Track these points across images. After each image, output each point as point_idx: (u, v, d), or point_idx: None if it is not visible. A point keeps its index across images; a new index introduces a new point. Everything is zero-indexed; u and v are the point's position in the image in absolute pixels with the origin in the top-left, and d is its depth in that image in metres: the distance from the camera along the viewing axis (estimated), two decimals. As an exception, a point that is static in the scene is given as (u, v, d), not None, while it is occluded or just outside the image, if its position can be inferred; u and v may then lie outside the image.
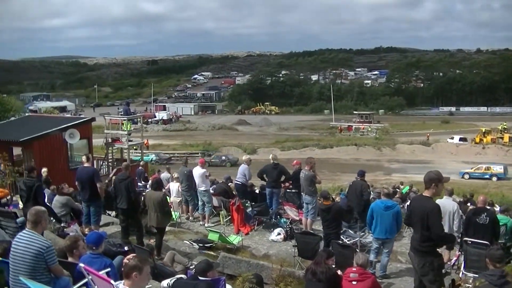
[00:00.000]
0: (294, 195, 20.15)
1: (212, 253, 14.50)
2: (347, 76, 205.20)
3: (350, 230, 16.42)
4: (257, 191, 21.83)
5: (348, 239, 15.67)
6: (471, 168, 62.67)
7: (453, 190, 15.75)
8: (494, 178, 59.27)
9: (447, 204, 14.31)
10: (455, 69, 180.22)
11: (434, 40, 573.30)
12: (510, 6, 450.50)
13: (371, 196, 19.96)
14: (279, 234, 16.92)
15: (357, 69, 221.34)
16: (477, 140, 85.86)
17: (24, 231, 7.45)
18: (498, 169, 61.76)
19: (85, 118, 33.17)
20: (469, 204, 23.64)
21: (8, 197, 17.04)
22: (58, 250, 8.64)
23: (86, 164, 14.98)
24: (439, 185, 8.07)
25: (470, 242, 12.65)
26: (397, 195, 26.02)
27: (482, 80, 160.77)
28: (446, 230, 14.60)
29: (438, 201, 15.07)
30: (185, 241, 15.49)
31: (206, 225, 18.78)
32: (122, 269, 6.43)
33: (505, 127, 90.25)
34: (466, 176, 60.42)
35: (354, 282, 9.00)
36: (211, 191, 20.11)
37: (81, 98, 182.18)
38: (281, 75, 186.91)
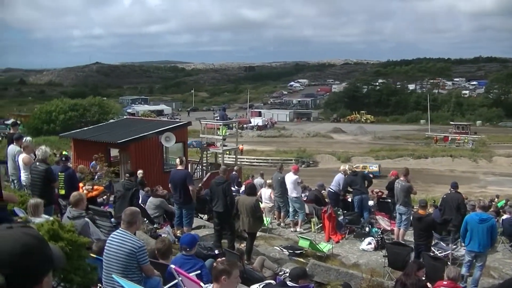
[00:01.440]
0: (387, 204, 19.99)
1: (302, 259, 14.50)
2: (445, 86, 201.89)
3: (442, 242, 16.17)
4: (349, 199, 21.77)
5: (440, 251, 15.44)
6: None
7: None
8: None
9: None
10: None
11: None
12: None
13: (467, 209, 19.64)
14: (369, 243, 16.79)
15: (455, 79, 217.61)
16: None
17: (118, 231, 7.65)
18: None
19: (181, 122, 33.74)
20: None
21: (105, 197, 17.49)
22: (150, 251, 8.83)
23: (179, 167, 15.24)
24: None
25: None
26: (492, 209, 25.49)
27: None
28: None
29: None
30: (275, 247, 15.56)
31: (297, 231, 18.81)
32: (212, 272, 6.54)
33: None
34: None
35: (444, 295, 8.89)
36: (303, 198, 20.15)
37: (178, 103, 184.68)
38: (377, 83, 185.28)
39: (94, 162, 23.26)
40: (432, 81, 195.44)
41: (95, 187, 16.69)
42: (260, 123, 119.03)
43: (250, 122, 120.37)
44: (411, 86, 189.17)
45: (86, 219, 10.16)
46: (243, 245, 14.14)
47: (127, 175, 15.95)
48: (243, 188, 22.18)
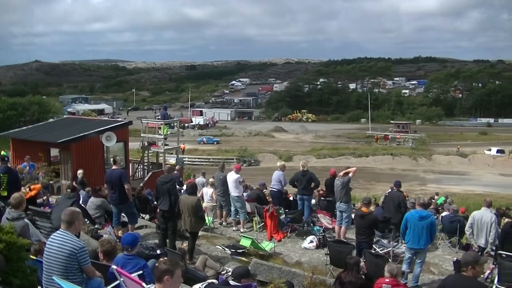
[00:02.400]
0: (328, 203, 20.12)
1: (244, 259, 14.48)
2: (385, 85, 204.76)
3: (383, 240, 16.34)
4: (291, 198, 21.84)
5: (381, 248, 15.61)
6: None
7: (491, 202, 15.66)
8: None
9: (485, 215, 14.43)
10: (495, 80, 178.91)
11: (475, 50, 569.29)
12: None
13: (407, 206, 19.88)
14: (311, 241, 16.87)
15: (396, 79, 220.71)
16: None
17: (58, 232, 7.50)
18: None
19: (122, 122, 33.44)
20: (504, 217, 23.43)
21: (45, 197, 17.22)
22: (92, 252, 8.73)
23: (114, 167, 15.09)
24: (476, 267, 7.89)
25: (505, 256, 12.53)
26: (431, 206, 25.86)
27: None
28: (483, 241, 14.61)
29: (476, 212, 15.06)
30: (217, 246, 15.52)
31: (239, 230, 18.82)
32: (154, 272, 6.48)
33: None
34: None
35: (386, 293, 8.97)
36: (245, 197, 20.15)
37: (119, 102, 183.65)
38: (319, 82, 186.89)
39: (25, 163, 22.75)
40: (373, 80, 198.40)
41: (32, 186, 16.41)
42: (202, 122, 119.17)
43: (192, 121, 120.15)
44: (352, 86, 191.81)
45: (26, 220, 9.98)
46: (185, 245, 14.06)
47: (69, 190, 15.79)
48: (184, 187, 22.09)
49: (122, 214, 15.43)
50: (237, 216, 19.23)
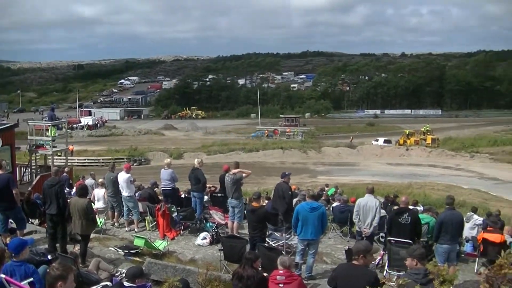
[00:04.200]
0: (220, 199, 20.17)
1: (138, 259, 14.33)
2: (274, 80, 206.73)
3: (276, 233, 16.55)
4: (183, 195, 21.80)
5: (274, 241, 15.79)
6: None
7: (373, 188, 16.05)
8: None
9: (369, 201, 14.84)
10: (380, 73, 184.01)
11: (362, 44, 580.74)
12: (437, 11, 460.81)
13: (297, 199, 20.10)
14: (205, 238, 16.91)
15: (284, 73, 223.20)
16: (401, 142, 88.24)
17: None
18: None
19: (8, 124, 32.47)
20: (391, 204, 24.13)
21: None
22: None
23: (0, 172, 14.64)
24: (367, 256, 8.06)
25: (393, 242, 12.94)
26: (322, 198, 26.30)
27: (407, 83, 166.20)
28: (368, 225, 14.97)
29: (360, 199, 15.45)
30: (110, 248, 15.30)
31: (132, 230, 18.64)
32: (46, 278, 6.33)
33: (428, 129, 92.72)
34: None
35: (281, 285, 9.01)
36: (137, 196, 19.98)
37: (4, 104, 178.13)
38: (208, 79, 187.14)
39: None
40: (262, 75, 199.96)
41: None
42: (91, 123, 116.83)
43: (80, 122, 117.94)
44: (241, 81, 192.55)
45: None
46: (77, 248, 13.82)
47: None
48: (74, 189, 21.70)
49: (10, 220, 15.00)
50: (130, 216, 19.06)
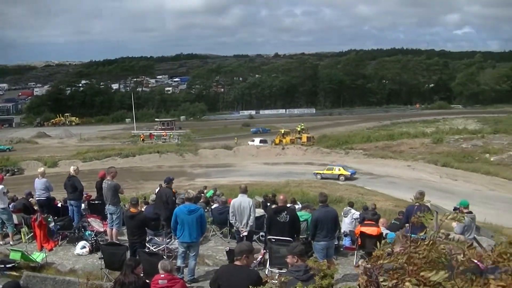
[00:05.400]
0: (98, 206, 19.85)
1: (14, 273, 13.91)
2: (148, 83, 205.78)
3: (156, 238, 16.44)
4: (59, 204, 21.33)
5: (155, 246, 15.69)
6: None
7: (246, 187, 16.12)
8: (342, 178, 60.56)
9: (243, 201, 14.91)
10: (254, 74, 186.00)
11: (236, 46, 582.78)
12: (310, 12, 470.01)
13: (177, 202, 20.06)
14: (84, 247, 16.56)
15: (158, 77, 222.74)
16: (277, 141, 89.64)
17: None
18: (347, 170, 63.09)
19: None
20: (270, 203, 24.37)
21: None
22: None
23: None
24: (250, 256, 8.09)
25: (273, 240, 13.04)
26: (201, 200, 26.32)
27: (281, 83, 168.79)
28: (245, 225, 15.08)
29: (234, 200, 15.55)
30: (-16, 264, 14.81)
31: (8, 243, 18.06)
32: None
33: (303, 127, 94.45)
34: (319, 177, 61.78)
35: (163, 289, 8.99)
36: (11, 208, 19.38)
37: None
38: (81, 84, 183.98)
39: None
40: (135, 79, 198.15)
41: None
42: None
43: None
44: (115, 86, 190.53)
45: None
46: None
47: None
48: None
49: None
50: (4, 230, 18.43)
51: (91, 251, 16.33)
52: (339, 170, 62.51)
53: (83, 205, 20.65)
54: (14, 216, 18.88)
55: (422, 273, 3.50)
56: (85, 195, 21.52)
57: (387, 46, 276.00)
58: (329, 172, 62.49)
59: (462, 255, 3.67)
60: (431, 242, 3.71)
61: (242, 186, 16.02)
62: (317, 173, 63.00)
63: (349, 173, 61.91)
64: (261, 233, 17.01)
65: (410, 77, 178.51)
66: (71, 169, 19.20)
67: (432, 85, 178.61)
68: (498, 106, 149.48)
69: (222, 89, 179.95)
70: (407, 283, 3.46)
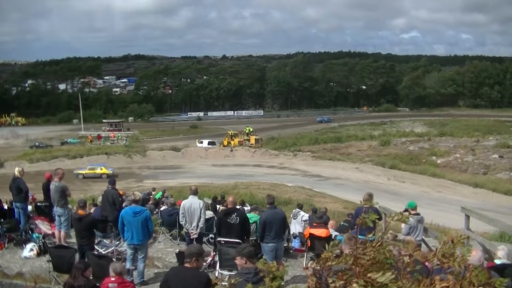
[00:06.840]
0: (45, 208, 19.67)
1: (-42, 279, 13.75)
2: (96, 84, 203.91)
3: (105, 240, 16.36)
4: (6, 207, 21.10)
5: (104, 249, 15.61)
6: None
7: (197, 189, 16.14)
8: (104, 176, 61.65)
9: (193, 202, 14.96)
10: (202, 75, 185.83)
11: (184, 47, 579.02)
12: (258, 14, 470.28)
13: (125, 203, 19.98)
14: (31, 250, 16.36)
15: (106, 77, 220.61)
16: (225, 143, 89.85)
17: None
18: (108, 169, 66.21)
19: None
20: (220, 205, 24.45)
21: None
22: None
23: None
24: (200, 259, 8.14)
25: (223, 242, 13.10)
26: (150, 202, 26.31)
27: (229, 85, 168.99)
28: (195, 227, 15.14)
29: (185, 201, 15.59)
30: None
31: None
32: None
33: (251, 129, 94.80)
34: (80, 176, 63.90)
35: (113, 292, 8.98)
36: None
37: None
38: (27, 84, 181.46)
39: None
40: (83, 80, 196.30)
41: None
42: None
43: None
44: (62, 86, 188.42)
45: None
46: None
47: None
48: None
49: None
50: None
51: (39, 254, 16.08)
52: (101, 169, 66.40)
53: (29, 207, 20.46)
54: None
55: (369, 274, 3.60)
56: (30, 197, 21.33)
57: (335, 49, 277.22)
58: (92, 171, 65.59)
59: (408, 256, 3.79)
60: (378, 243, 3.81)
61: (192, 188, 15.99)
62: (78, 173, 65.10)
63: (111, 171, 64.53)
64: (210, 235, 17.09)
65: (357, 80, 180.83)
66: (16, 171, 18.96)
67: (379, 88, 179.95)
68: (443, 109, 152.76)
69: (170, 91, 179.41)
70: (354, 285, 3.55)
